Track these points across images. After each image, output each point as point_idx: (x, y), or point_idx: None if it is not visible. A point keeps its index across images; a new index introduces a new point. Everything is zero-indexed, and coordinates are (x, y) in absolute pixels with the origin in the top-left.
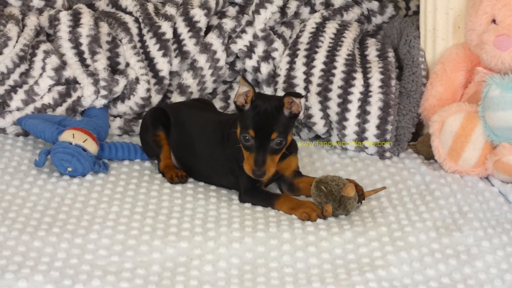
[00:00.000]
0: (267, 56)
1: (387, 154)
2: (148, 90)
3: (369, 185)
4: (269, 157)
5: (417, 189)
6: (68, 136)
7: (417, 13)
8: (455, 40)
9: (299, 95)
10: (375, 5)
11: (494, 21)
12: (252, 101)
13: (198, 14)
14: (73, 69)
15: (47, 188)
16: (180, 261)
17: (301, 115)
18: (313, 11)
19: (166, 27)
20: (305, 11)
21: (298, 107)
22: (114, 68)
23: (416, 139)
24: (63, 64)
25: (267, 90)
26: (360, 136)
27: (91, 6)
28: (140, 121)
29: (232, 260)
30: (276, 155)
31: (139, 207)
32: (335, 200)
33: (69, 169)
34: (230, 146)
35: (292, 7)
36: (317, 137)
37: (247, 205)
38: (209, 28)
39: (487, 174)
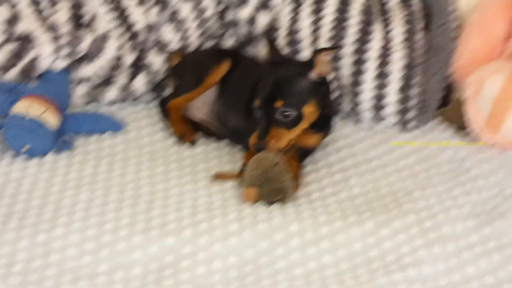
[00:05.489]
0: (264, 4)
1: (411, 124)
2: (120, 48)
3: (391, 163)
4: (275, 129)
5: (449, 167)
6: (23, 106)
7: None
8: None
9: (333, 48)
10: None
11: None
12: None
13: None
14: (27, 22)
15: None
16: (166, 262)
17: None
18: None
19: None
20: None
21: (326, 67)
22: (77, 21)
23: (446, 105)
24: (15, 16)
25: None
26: (378, 102)
27: None
28: (109, 86)
29: (229, 260)
30: (286, 129)
31: (114, 193)
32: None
33: (26, 147)
34: None
35: None
36: None
37: None
38: None
39: None
